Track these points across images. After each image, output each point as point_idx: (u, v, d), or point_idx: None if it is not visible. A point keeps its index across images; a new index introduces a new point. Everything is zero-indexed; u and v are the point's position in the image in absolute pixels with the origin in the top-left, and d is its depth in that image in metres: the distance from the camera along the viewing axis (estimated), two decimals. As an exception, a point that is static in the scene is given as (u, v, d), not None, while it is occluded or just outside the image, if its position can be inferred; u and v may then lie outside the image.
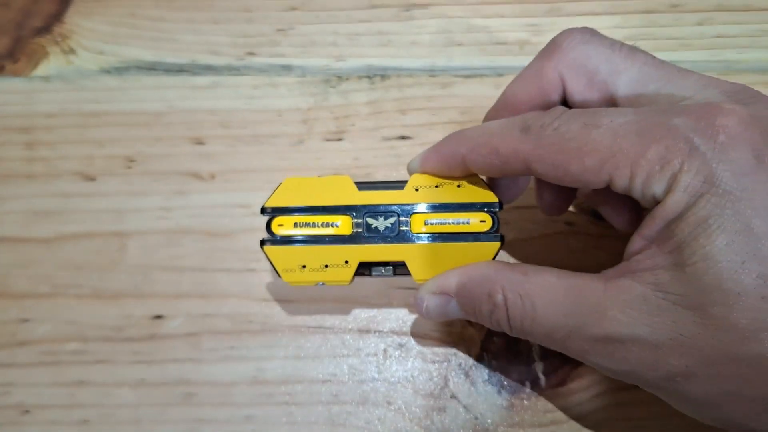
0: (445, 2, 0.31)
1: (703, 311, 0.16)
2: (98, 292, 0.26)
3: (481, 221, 0.21)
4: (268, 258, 0.21)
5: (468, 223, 0.21)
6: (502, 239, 0.21)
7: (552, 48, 0.20)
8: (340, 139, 0.28)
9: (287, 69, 0.30)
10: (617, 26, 0.30)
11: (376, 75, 0.29)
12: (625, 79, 0.19)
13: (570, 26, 0.30)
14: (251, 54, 0.30)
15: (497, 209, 0.21)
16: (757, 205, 0.15)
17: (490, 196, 0.21)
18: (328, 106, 0.29)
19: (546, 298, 0.18)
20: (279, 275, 0.21)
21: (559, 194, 0.23)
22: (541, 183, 0.23)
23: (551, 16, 0.30)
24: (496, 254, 0.21)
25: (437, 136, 0.27)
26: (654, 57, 0.19)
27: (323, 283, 0.22)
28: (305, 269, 0.21)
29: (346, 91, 0.29)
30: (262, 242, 0.21)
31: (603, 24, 0.30)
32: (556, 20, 0.30)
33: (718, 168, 0.15)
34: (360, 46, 0.30)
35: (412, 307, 0.25)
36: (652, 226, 0.17)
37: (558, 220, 0.26)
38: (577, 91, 0.20)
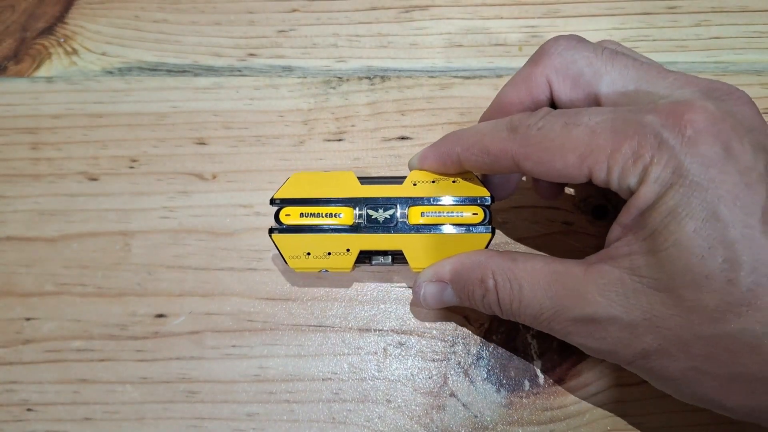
0: (444, 4, 0.31)
1: (674, 293, 0.17)
2: (102, 291, 0.26)
3: (474, 214, 0.22)
4: (275, 245, 0.23)
5: (462, 216, 0.22)
6: (493, 231, 0.22)
7: (540, 54, 0.21)
8: (340, 140, 0.28)
9: (288, 70, 0.30)
10: (615, 28, 0.30)
11: (376, 76, 0.29)
12: (607, 81, 0.20)
13: (568, 28, 0.31)
14: (252, 55, 0.30)
15: (489, 203, 0.23)
16: (722, 194, 0.16)
17: (482, 191, 0.23)
18: (328, 107, 0.29)
19: (532, 281, 0.19)
20: (285, 262, 0.23)
21: (554, 184, 0.24)
22: None
23: (549, 17, 0.30)
24: (488, 245, 0.22)
25: (437, 136, 0.28)
26: (635, 59, 0.20)
27: (326, 270, 0.23)
28: (310, 256, 0.23)
29: (347, 92, 0.29)
30: (271, 230, 0.23)
31: (601, 26, 0.30)
32: (555, 22, 0.30)
33: (685, 160, 0.16)
34: (360, 47, 0.30)
35: (411, 295, 0.26)
36: (628, 215, 0.18)
37: (557, 220, 0.27)
38: (564, 93, 0.21)
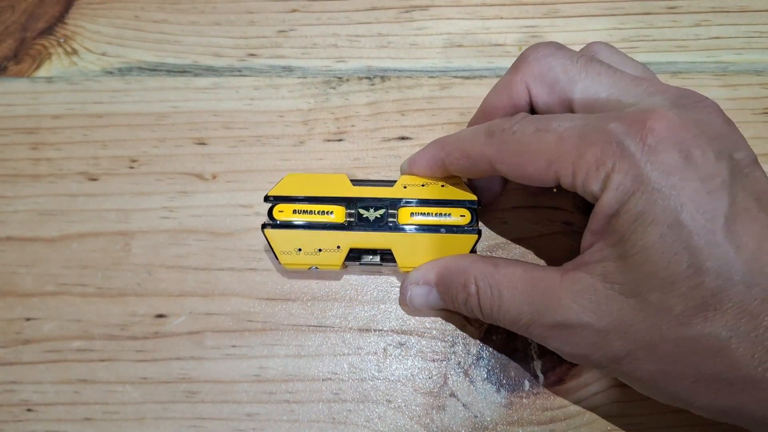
0: (444, 4, 0.31)
1: (642, 298, 0.17)
2: (102, 291, 0.26)
3: (461, 216, 0.23)
4: (267, 240, 0.23)
5: (449, 218, 0.23)
6: (479, 233, 0.23)
7: (520, 61, 0.22)
8: (340, 140, 0.28)
9: (288, 70, 0.30)
10: (614, 28, 0.30)
11: (376, 76, 0.30)
12: (580, 88, 0.20)
13: (568, 28, 0.31)
14: (252, 55, 0.30)
15: (476, 206, 0.23)
16: (685, 201, 0.17)
17: (469, 195, 0.23)
18: (328, 107, 0.29)
19: (512, 287, 0.20)
20: (277, 258, 0.23)
21: None
22: None
23: (549, 17, 0.30)
24: (474, 246, 0.23)
25: (436, 136, 0.28)
26: (610, 67, 0.21)
27: (317, 268, 0.24)
28: (301, 252, 0.23)
29: (347, 92, 0.29)
30: (264, 225, 0.24)
31: (600, 26, 0.30)
32: (555, 22, 0.30)
33: (646, 168, 0.17)
34: (360, 47, 0.30)
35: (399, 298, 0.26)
36: (596, 222, 0.18)
37: (557, 220, 0.27)
38: (541, 99, 0.21)
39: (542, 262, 0.26)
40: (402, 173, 0.24)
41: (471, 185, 0.24)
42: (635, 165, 0.17)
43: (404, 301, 0.24)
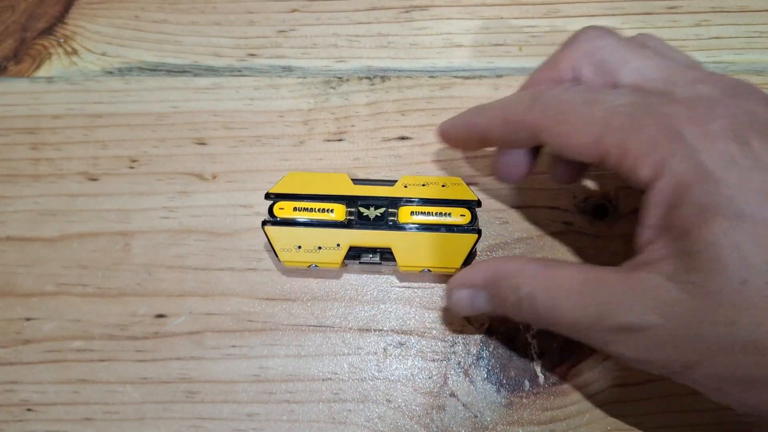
0: (444, 4, 0.31)
1: (712, 298, 0.16)
2: (102, 291, 0.26)
3: (461, 215, 0.23)
4: (267, 237, 0.23)
5: (449, 217, 0.23)
6: (479, 232, 0.23)
7: (570, 40, 0.22)
8: (340, 140, 0.28)
9: (288, 70, 0.30)
10: (615, 28, 0.30)
11: (376, 76, 0.30)
12: (629, 70, 0.20)
13: (568, 28, 0.31)
14: (252, 55, 0.30)
15: (476, 206, 0.23)
16: (750, 192, 0.16)
17: (470, 195, 0.24)
18: (328, 107, 0.29)
19: (567, 290, 0.19)
20: (276, 255, 0.23)
21: (572, 165, 0.23)
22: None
23: (549, 17, 0.30)
24: (474, 245, 0.23)
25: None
26: (659, 53, 0.20)
27: (316, 266, 0.24)
28: (300, 250, 0.23)
29: (347, 92, 0.29)
30: (264, 222, 0.24)
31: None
32: (555, 22, 0.30)
33: (704, 157, 0.16)
34: (360, 47, 0.30)
35: (412, 295, 0.26)
36: (654, 214, 0.17)
37: (557, 220, 0.27)
38: (587, 77, 0.21)
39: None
40: (437, 135, 0.24)
41: (498, 159, 0.23)
42: (694, 153, 0.16)
43: (449, 304, 0.22)
